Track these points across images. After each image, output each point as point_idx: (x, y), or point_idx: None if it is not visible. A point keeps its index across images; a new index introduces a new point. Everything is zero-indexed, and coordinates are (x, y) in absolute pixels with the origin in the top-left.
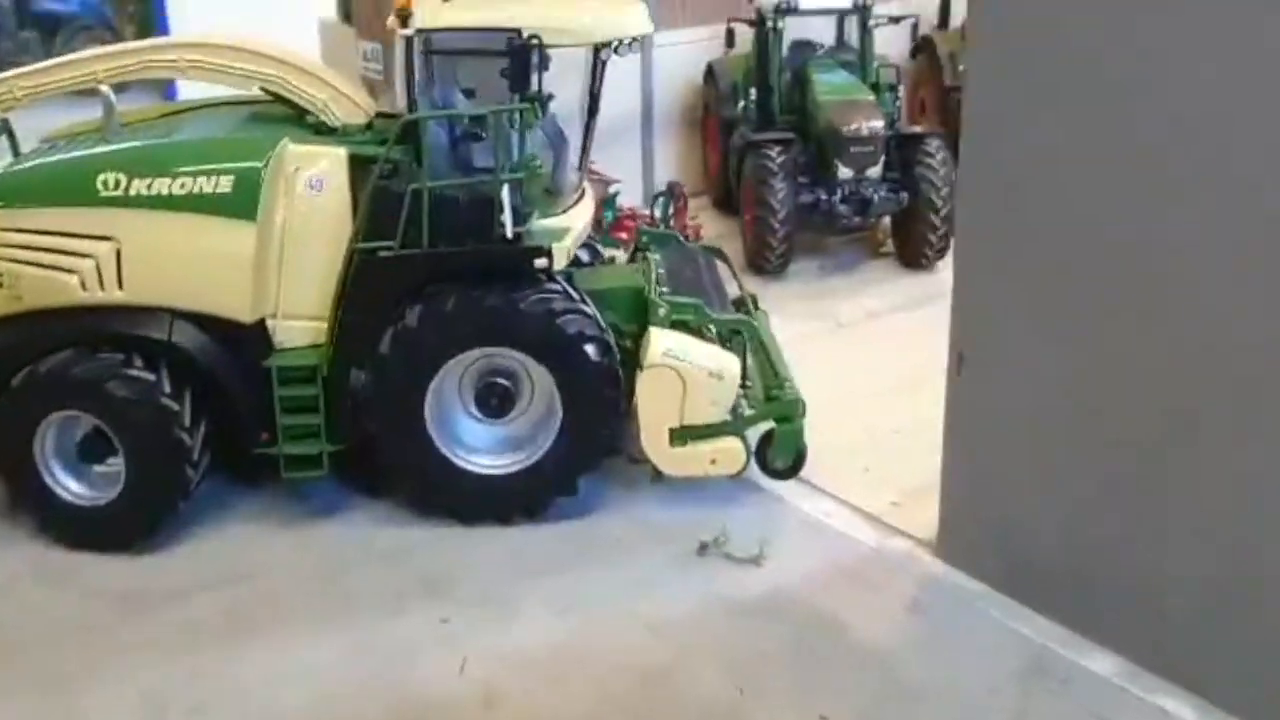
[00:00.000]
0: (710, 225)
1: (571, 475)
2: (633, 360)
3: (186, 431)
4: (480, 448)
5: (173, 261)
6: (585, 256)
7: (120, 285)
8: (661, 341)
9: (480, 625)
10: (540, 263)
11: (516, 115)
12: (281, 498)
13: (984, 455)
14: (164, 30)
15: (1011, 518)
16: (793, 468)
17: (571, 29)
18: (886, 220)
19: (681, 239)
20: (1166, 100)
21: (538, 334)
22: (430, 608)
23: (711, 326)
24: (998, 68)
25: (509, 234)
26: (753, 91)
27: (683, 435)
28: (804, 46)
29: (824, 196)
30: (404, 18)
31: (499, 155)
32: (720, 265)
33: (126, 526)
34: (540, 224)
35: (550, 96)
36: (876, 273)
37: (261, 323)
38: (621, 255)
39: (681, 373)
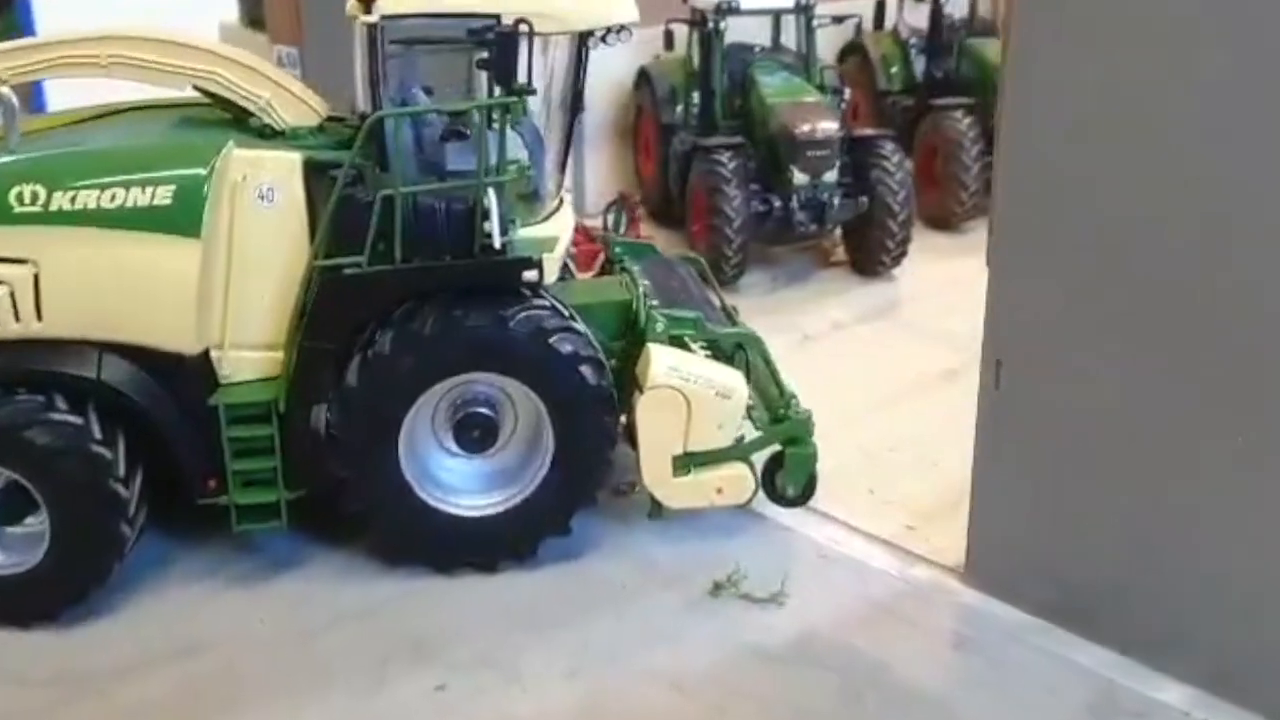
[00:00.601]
0: (651, 237)
1: (565, 512)
2: (622, 382)
3: (120, 482)
4: (460, 487)
5: (101, 286)
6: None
7: (39, 315)
8: (663, 359)
9: (481, 693)
10: (529, 276)
11: (503, 111)
12: (229, 551)
13: (1024, 473)
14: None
15: (1058, 541)
16: (804, 494)
17: (555, 14)
18: (836, 230)
19: (656, 249)
20: (1222, 100)
21: (528, 356)
22: (420, 674)
23: (711, 341)
24: (1044, 63)
25: (497, 243)
26: (694, 95)
27: (687, 463)
28: (742, 49)
29: (778, 204)
30: (367, 2)
31: (482, 156)
32: (700, 277)
33: (52, 595)
34: (524, 233)
35: (532, 90)
36: (832, 282)
37: (206, 354)
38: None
39: (686, 394)
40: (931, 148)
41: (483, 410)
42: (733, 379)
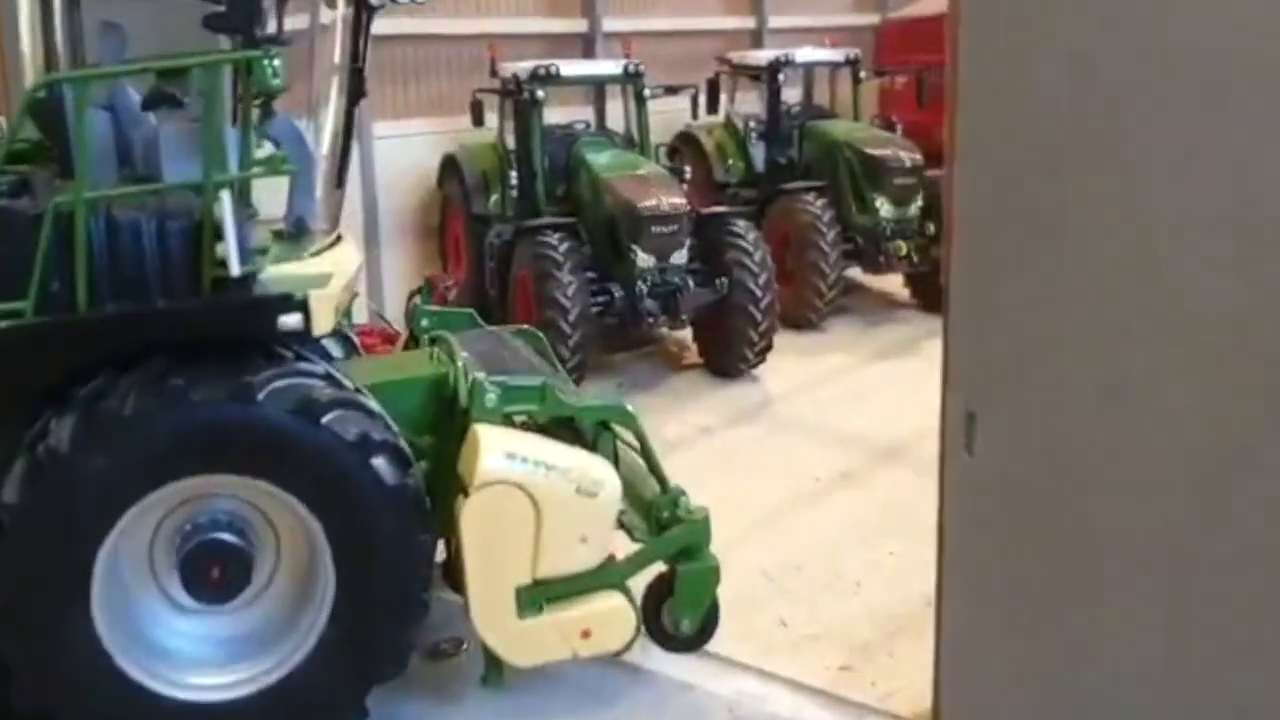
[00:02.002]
0: None
1: (355, 690)
2: (441, 484)
3: None
4: (192, 656)
5: None
6: (337, 350)
7: None
8: (497, 443)
9: None
10: (289, 323)
11: (244, 72)
12: None
13: (1015, 575)
14: None
15: (1067, 670)
16: (703, 630)
17: None
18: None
19: (476, 318)
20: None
21: (292, 447)
22: None
23: (564, 418)
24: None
25: (234, 270)
26: (511, 179)
27: (537, 597)
28: (561, 130)
29: (619, 293)
30: None
31: (212, 145)
32: (538, 353)
33: None
34: (282, 270)
35: (284, 42)
36: (688, 385)
37: None
38: None
39: (533, 492)
40: (783, 236)
41: (224, 537)
42: (598, 468)
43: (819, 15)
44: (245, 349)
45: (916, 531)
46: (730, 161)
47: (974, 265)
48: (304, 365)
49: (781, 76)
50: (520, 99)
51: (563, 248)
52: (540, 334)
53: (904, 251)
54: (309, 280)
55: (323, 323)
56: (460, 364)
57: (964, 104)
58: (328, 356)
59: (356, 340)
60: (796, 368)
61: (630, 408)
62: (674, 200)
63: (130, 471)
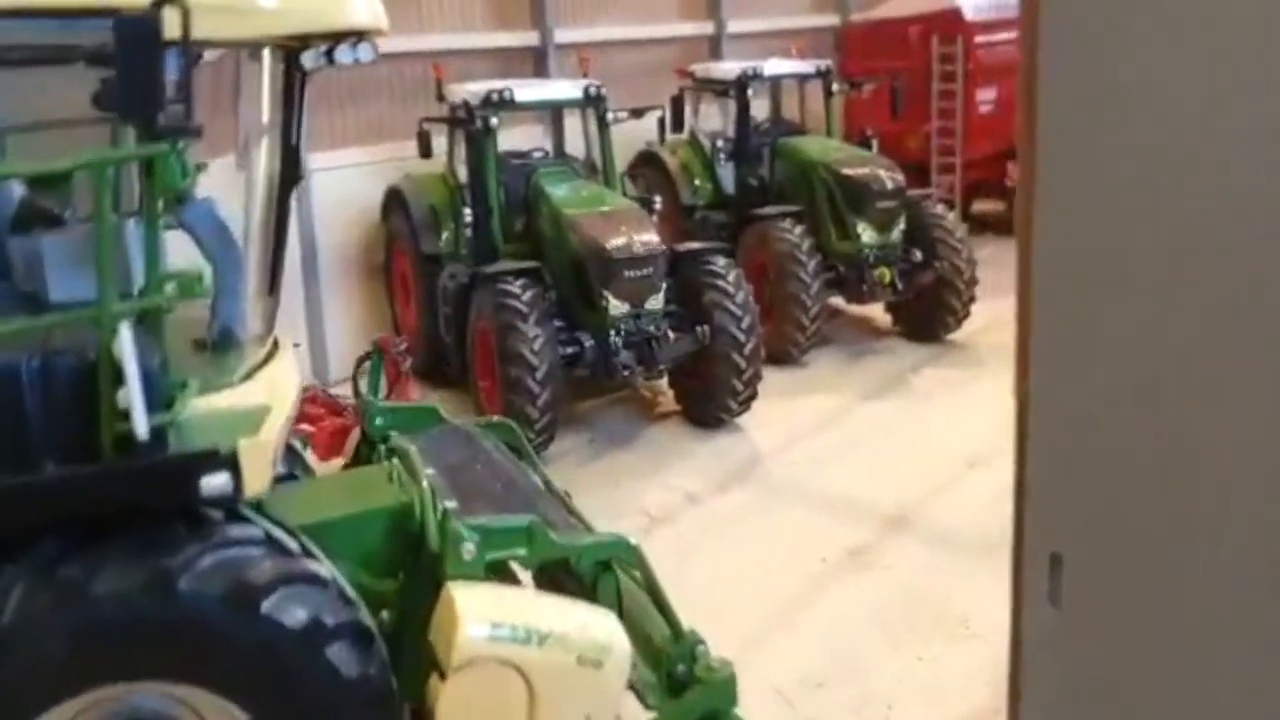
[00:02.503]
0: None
1: None
2: (409, 640)
3: None
4: None
5: None
6: (281, 466)
7: None
8: (476, 609)
9: None
10: (215, 487)
11: (144, 171)
12: None
13: None
14: None
15: None
16: None
17: (239, 8)
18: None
19: (440, 414)
20: None
21: (224, 644)
22: None
23: (558, 560)
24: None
25: (141, 430)
26: (465, 213)
27: None
28: (517, 159)
29: (589, 343)
30: None
31: (106, 267)
32: (513, 450)
33: None
34: (205, 408)
35: (194, 132)
36: (667, 440)
37: None
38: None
39: (525, 669)
40: (760, 266)
41: None
42: (603, 628)
43: (777, 18)
44: (161, 521)
45: (941, 627)
46: (697, 183)
47: (1061, 364)
48: (236, 531)
49: (750, 91)
50: (472, 128)
51: (526, 296)
52: (514, 426)
53: (888, 279)
54: (239, 423)
55: (257, 480)
56: (426, 487)
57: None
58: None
59: (302, 448)
60: (781, 413)
61: (633, 541)
62: (647, 239)
63: (15, 693)
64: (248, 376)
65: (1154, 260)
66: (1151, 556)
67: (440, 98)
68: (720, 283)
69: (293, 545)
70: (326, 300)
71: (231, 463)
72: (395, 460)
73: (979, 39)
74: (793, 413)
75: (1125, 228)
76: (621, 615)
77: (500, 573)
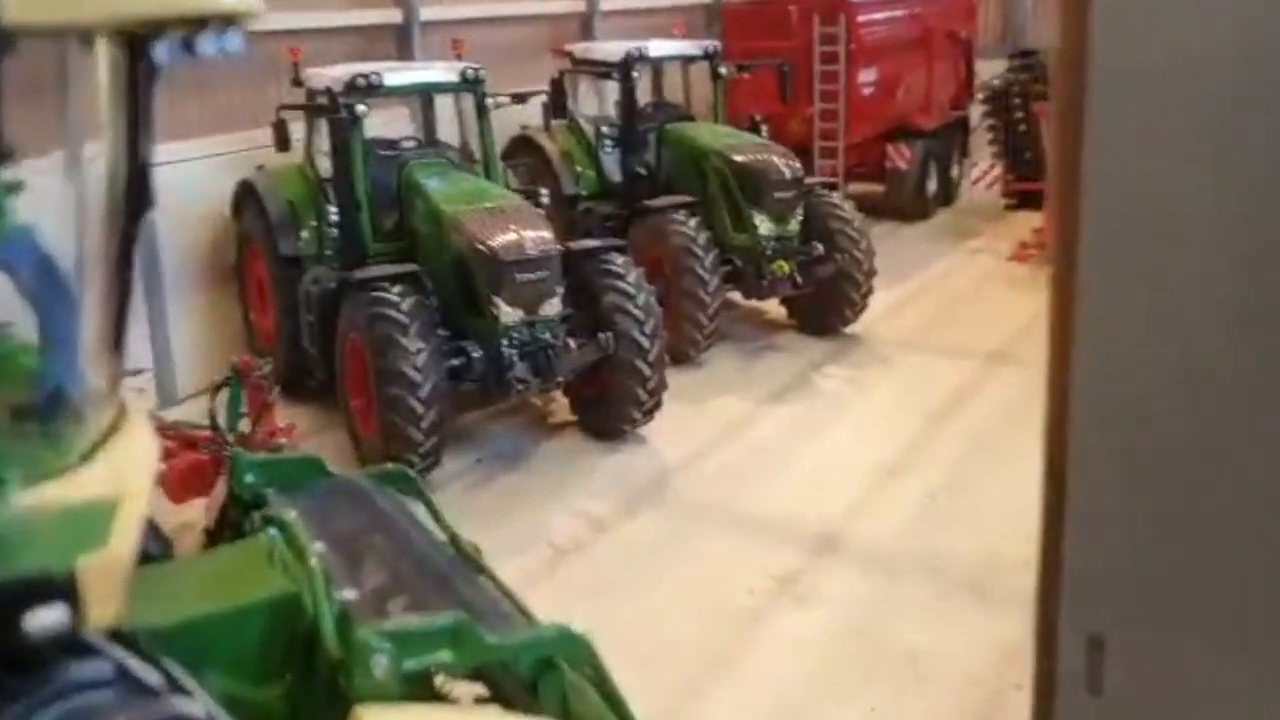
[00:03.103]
0: (293, 429)
1: None
2: None
3: None
4: None
5: None
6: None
7: None
8: None
9: None
10: (46, 620)
11: None
12: None
13: None
14: None
15: None
16: None
17: None
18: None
19: (323, 466)
20: None
21: None
22: None
23: (495, 664)
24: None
25: None
26: (330, 210)
27: None
28: (384, 147)
29: (477, 354)
30: None
31: None
32: (404, 503)
33: None
34: (29, 503)
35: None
36: (565, 455)
37: None
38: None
39: None
40: (654, 261)
41: None
42: None
43: None
44: None
45: (888, 668)
46: (580, 171)
47: (1109, 414)
48: (79, 671)
49: (635, 73)
50: (336, 116)
51: (406, 304)
52: (410, 474)
53: (787, 272)
54: (79, 528)
55: (105, 607)
56: (315, 569)
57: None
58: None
59: (164, 532)
60: (684, 420)
61: (580, 632)
62: (540, 238)
63: None
64: (88, 456)
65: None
66: (1215, 637)
67: (296, 82)
68: (620, 284)
69: (154, 679)
70: (171, 310)
71: (68, 589)
72: (274, 532)
73: (861, 18)
74: (696, 420)
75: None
76: None
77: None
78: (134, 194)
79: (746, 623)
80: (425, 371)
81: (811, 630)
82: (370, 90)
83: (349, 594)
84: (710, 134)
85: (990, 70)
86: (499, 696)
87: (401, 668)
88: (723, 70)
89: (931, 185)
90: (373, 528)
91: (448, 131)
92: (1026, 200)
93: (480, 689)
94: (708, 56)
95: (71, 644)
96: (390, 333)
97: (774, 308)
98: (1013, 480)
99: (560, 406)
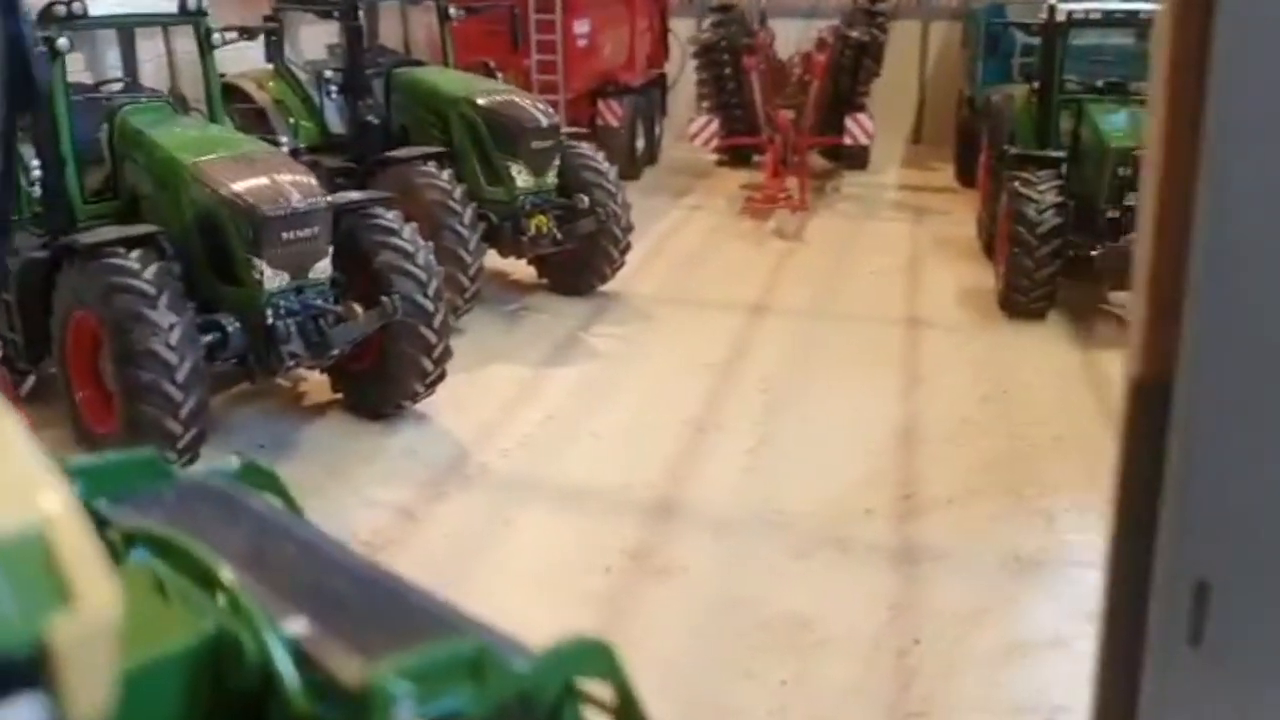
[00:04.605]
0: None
1: None
2: None
3: None
4: None
5: None
6: None
7: None
8: None
9: None
10: None
11: None
12: None
13: None
14: None
15: None
16: None
17: None
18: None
19: (164, 465)
20: None
21: None
22: None
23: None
24: None
25: None
26: (29, 168)
27: None
28: (81, 92)
29: (234, 327)
30: None
31: None
32: (276, 503)
33: None
34: None
35: None
36: (337, 441)
37: None
38: None
39: None
40: (404, 218)
41: None
42: None
43: None
44: None
45: (784, 637)
46: (297, 122)
47: (1224, 349)
48: None
49: (361, 13)
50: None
51: (149, 272)
52: (272, 472)
53: (545, 228)
54: (27, 579)
55: (94, 693)
56: (242, 597)
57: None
58: None
59: None
60: (461, 391)
61: (604, 644)
62: (306, 186)
63: None
64: None
65: None
66: None
67: None
68: (395, 240)
69: None
70: None
71: (35, 672)
72: (141, 554)
73: None
74: (473, 390)
75: None
76: None
77: None
78: None
79: (614, 604)
80: (180, 350)
81: (686, 604)
82: (71, 20)
83: (294, 626)
84: (450, 80)
85: (682, 28)
86: None
87: (425, 715)
88: (451, 12)
89: (640, 143)
90: (264, 537)
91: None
92: (737, 156)
93: None
94: None
95: None
96: (134, 306)
97: (520, 267)
98: (818, 428)
99: (312, 386)
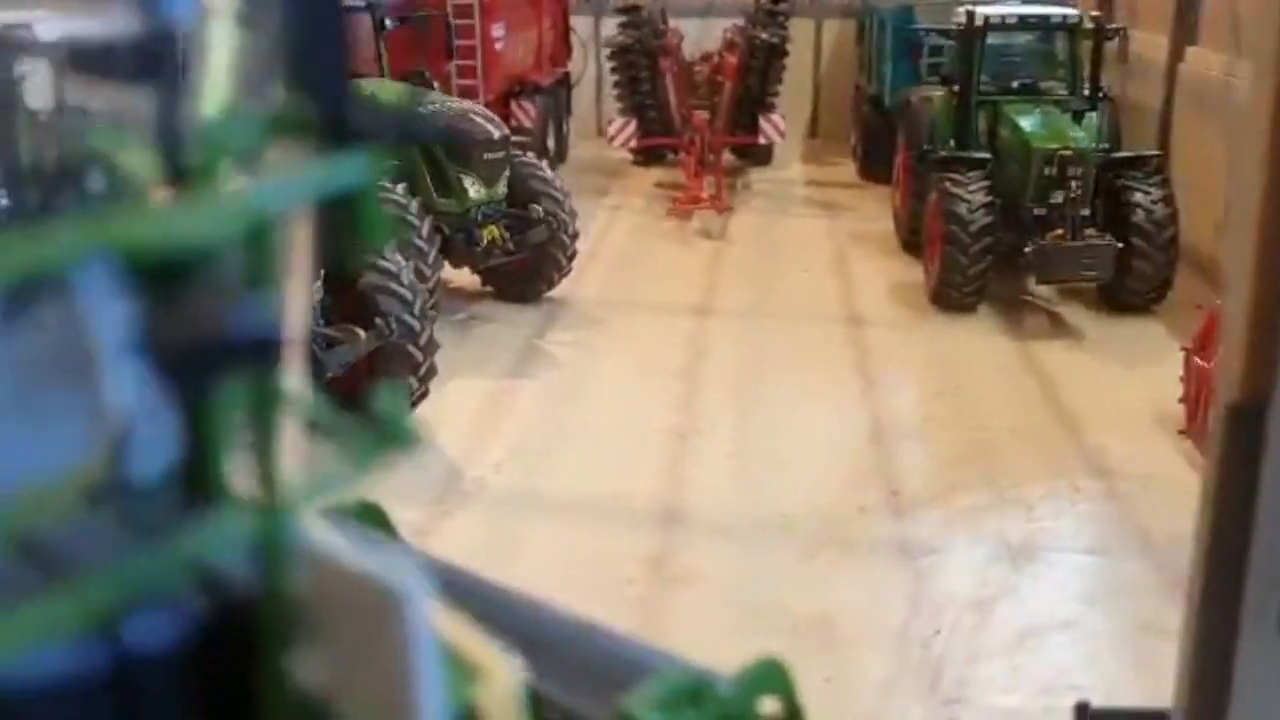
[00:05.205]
0: None
1: None
2: None
3: None
4: None
5: None
6: None
7: None
8: None
9: None
10: None
11: None
12: None
13: None
14: None
15: None
16: None
17: None
18: None
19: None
20: None
21: None
22: None
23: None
24: None
25: None
26: None
27: None
28: None
29: None
30: None
31: None
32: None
33: None
34: None
35: None
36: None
37: None
38: None
39: None
40: None
41: None
42: None
43: None
44: None
45: (813, 635)
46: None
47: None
48: None
49: None
50: None
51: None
52: (379, 507)
53: (497, 238)
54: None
55: None
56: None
57: None
58: None
59: None
60: (431, 406)
61: (782, 664)
62: None
63: None
64: None
65: None
66: None
67: None
68: (378, 261)
69: None
70: None
71: None
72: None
73: None
74: (443, 404)
75: None
76: None
77: None
78: None
79: (646, 620)
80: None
81: (715, 611)
82: None
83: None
84: (391, 91)
85: (581, 26)
86: None
87: None
88: (387, 22)
89: (551, 143)
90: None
91: None
92: (650, 155)
93: None
94: (369, 7)
95: None
96: None
97: (462, 275)
98: (791, 429)
99: None
